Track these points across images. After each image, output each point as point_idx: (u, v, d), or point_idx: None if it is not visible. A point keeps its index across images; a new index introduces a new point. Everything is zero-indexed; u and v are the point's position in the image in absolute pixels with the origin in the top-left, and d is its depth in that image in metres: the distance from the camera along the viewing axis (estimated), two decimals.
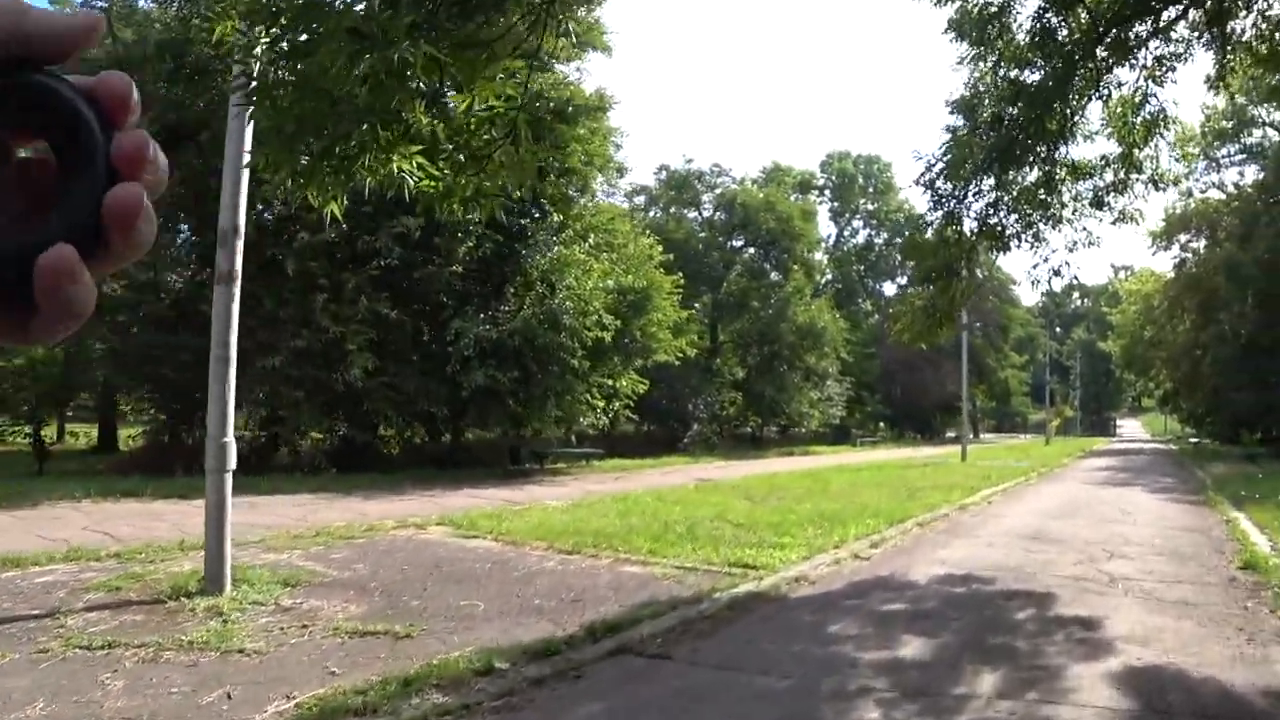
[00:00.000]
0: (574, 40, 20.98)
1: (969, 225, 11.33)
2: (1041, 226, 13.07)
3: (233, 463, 8.34)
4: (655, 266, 24.92)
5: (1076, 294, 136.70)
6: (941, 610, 7.50)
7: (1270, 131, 40.15)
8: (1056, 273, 11.87)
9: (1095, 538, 11.72)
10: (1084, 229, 14.08)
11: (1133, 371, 60.77)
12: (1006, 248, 11.54)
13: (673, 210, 43.05)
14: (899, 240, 72.71)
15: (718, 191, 43.37)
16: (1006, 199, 11.49)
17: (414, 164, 4.99)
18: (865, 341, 68.76)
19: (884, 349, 65.38)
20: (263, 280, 19.73)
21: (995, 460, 33.24)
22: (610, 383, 22.97)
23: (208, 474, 8.34)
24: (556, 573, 9.33)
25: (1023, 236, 11.55)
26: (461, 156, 5.01)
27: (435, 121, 4.81)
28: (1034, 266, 11.87)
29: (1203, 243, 42.89)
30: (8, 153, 0.52)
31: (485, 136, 4.94)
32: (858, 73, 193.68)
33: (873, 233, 73.80)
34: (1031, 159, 11.03)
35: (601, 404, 22.37)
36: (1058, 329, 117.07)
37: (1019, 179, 11.72)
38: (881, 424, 67.05)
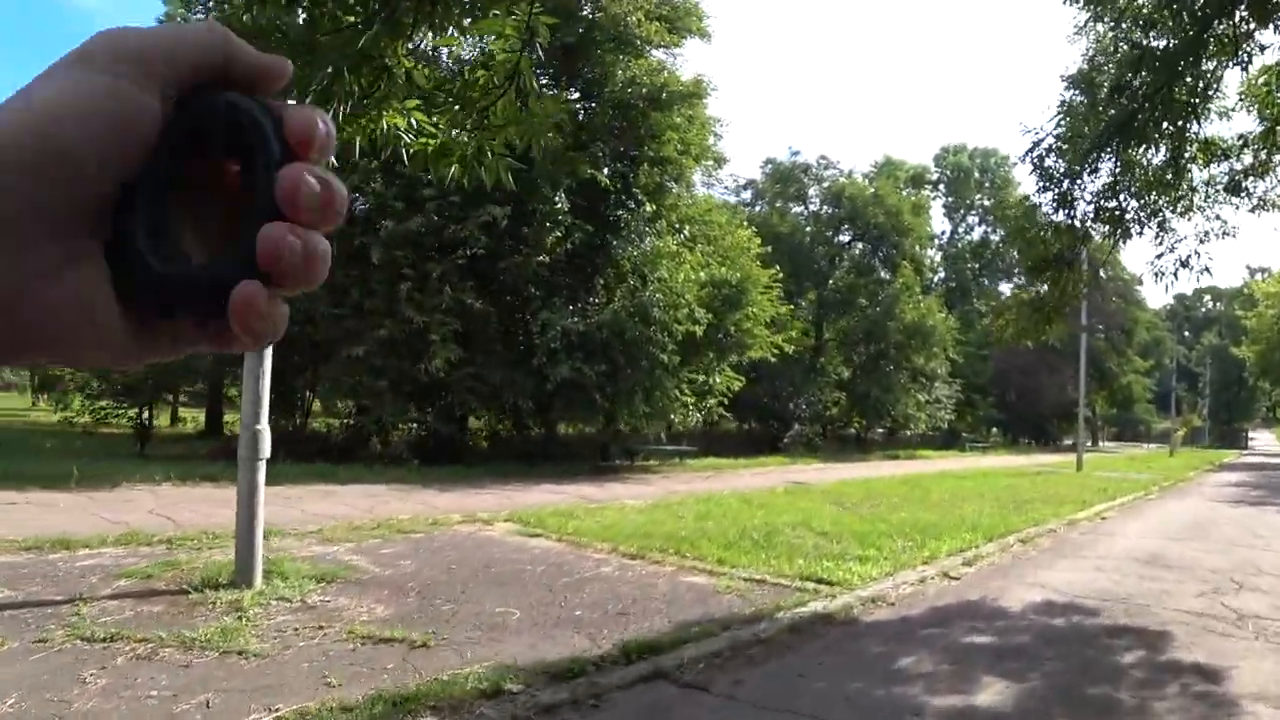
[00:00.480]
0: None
1: (1083, 208, 10.19)
2: (1168, 214, 11.84)
3: (266, 451, 7.91)
4: (753, 259, 23.97)
5: (1208, 296, 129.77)
6: (1033, 647, 6.52)
7: None
8: (1185, 264, 10.57)
9: (1222, 565, 10.44)
10: (1217, 217, 12.78)
11: (1269, 380, 56.72)
12: (1127, 234, 10.34)
13: (778, 204, 41.78)
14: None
15: (825, 185, 41.96)
16: (1127, 180, 10.31)
17: (409, 121, 4.35)
18: (978, 343, 66.13)
19: (998, 351, 62.87)
20: (351, 269, 19.65)
21: (1113, 471, 31.26)
22: (703, 379, 22.18)
23: (240, 462, 7.92)
24: (610, 579, 8.65)
25: (1146, 223, 10.35)
26: (458, 108, 4.34)
27: (419, 67, 4.15)
28: (1158, 256, 10.60)
29: None
30: (221, 175, 0.53)
31: (483, 85, 4.26)
32: (974, 62, 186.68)
33: (989, 229, 70.89)
34: (1157, 135, 9.83)
35: (692, 400, 21.57)
36: (1186, 333, 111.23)
37: (1142, 159, 10.53)
38: (994, 429, 64.44)
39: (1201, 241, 12.68)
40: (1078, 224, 10.13)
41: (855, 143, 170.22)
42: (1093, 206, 10.13)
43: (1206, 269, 10.55)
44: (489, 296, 20.44)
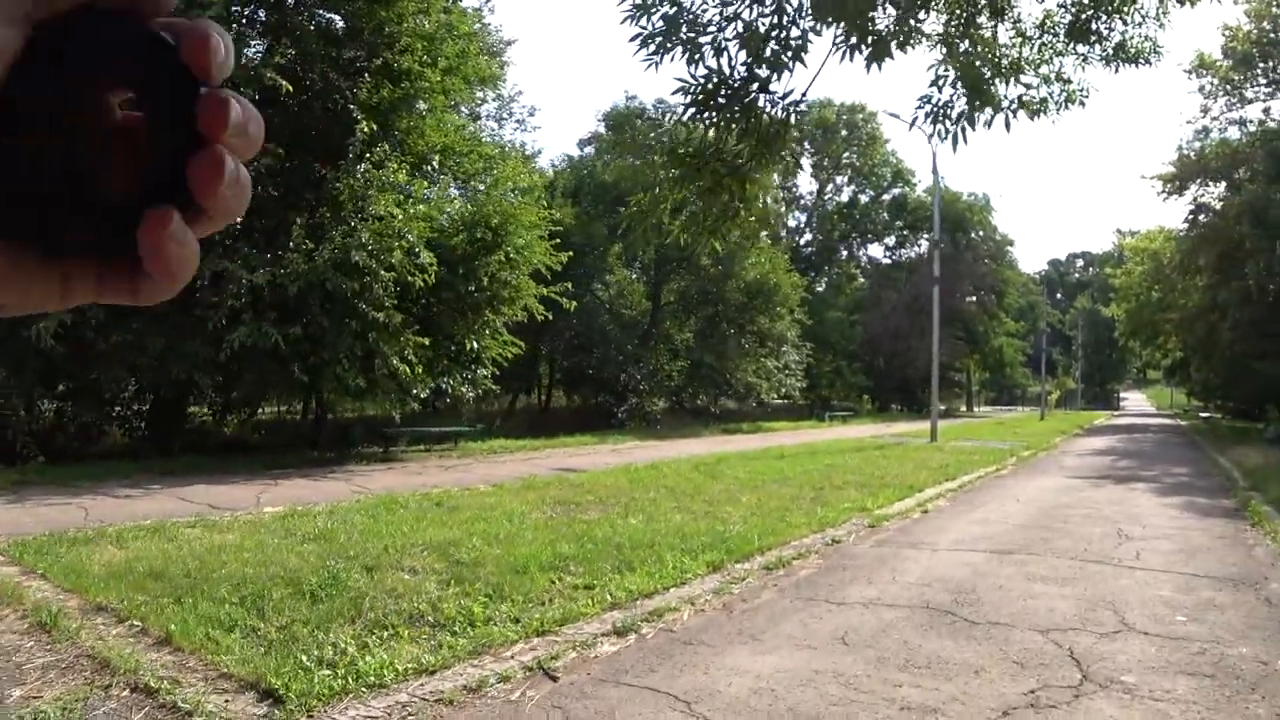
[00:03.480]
0: None
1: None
2: (986, 72, 7.62)
3: None
4: (521, 194, 19.07)
5: (1080, 261, 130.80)
6: None
7: None
8: (1022, 106, 6.25)
9: (1062, 612, 6.19)
10: (1058, 76, 8.70)
11: (1138, 340, 54.54)
12: (883, 52, 5.95)
13: (605, 156, 36.64)
14: (886, 198, 66.87)
15: (662, 132, 36.99)
16: None
17: None
18: (849, 307, 62.97)
19: (869, 317, 59.67)
20: None
21: (972, 439, 27.75)
22: (431, 342, 17.08)
23: None
24: None
25: (910, 36, 5.98)
26: None
27: None
28: (937, 87, 6.24)
29: (1222, 187, 37.04)
30: (108, 106, 0.48)
31: None
32: None
33: (858, 189, 67.54)
34: None
35: (419, 368, 16.53)
36: (1059, 296, 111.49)
37: None
38: (865, 396, 61.33)
39: (1036, 113, 8.60)
40: (788, 19, 5.73)
41: None
42: None
43: (1018, 106, 6.25)
44: None
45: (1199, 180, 36.82)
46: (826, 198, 66.96)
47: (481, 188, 19.33)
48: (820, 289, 64.75)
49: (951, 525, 10.42)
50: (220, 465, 16.24)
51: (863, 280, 67.33)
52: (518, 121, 36.53)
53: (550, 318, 19.70)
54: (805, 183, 67.41)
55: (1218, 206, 37.43)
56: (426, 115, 18.48)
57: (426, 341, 16.21)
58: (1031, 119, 8.17)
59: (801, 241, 65.42)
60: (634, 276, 37.67)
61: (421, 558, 7.86)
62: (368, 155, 16.52)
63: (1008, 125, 6.86)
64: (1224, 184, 36.68)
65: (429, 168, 18.52)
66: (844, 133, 64.83)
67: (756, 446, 23.13)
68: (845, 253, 68.38)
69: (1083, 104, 8.19)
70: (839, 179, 67.20)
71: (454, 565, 7.57)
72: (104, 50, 0.44)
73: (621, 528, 9.41)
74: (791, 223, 66.40)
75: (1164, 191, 37.41)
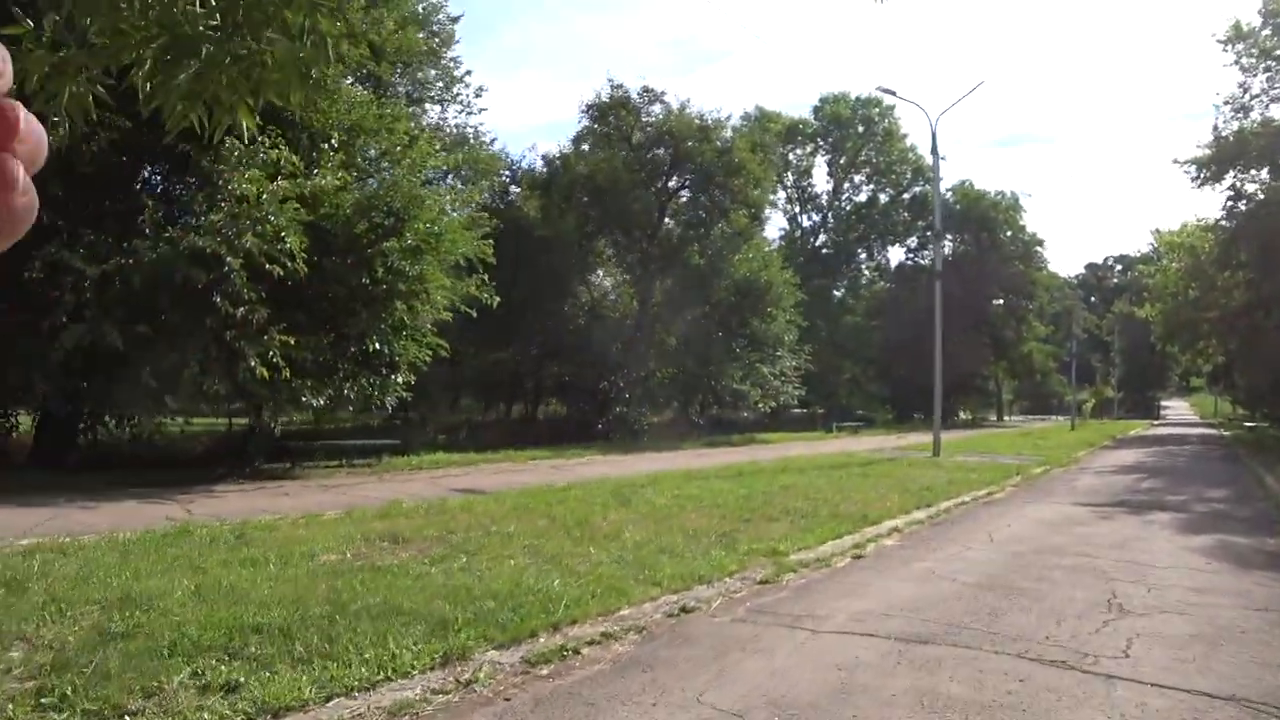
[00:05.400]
0: None
1: None
2: None
3: None
4: (419, 169, 16.44)
5: (1119, 266, 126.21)
6: None
7: None
8: None
9: None
10: None
11: (1176, 343, 50.26)
12: None
13: (589, 149, 33.61)
14: (906, 197, 63.61)
15: (648, 122, 34.14)
16: None
17: None
18: (868, 312, 59.97)
19: (889, 322, 56.52)
20: None
21: (981, 454, 24.85)
22: (290, 341, 14.26)
23: None
24: None
25: None
26: None
27: None
28: None
29: (1265, 172, 33.71)
30: None
31: None
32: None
33: (876, 188, 64.27)
34: None
35: (286, 372, 13.78)
36: (1094, 300, 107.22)
37: None
38: (885, 405, 58.20)
39: None
40: None
41: (732, 93, 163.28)
42: None
43: None
44: None
45: (1238, 164, 33.58)
46: (844, 197, 63.90)
47: (387, 167, 16.84)
48: (838, 293, 61.79)
49: (875, 582, 7.71)
50: (68, 484, 13.83)
51: (883, 284, 64.17)
52: (461, 104, 31.66)
53: (475, 315, 17.15)
54: (821, 182, 64.51)
55: (1260, 195, 34.18)
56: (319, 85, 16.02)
57: (293, 341, 13.67)
58: None
59: (817, 243, 62.50)
60: (624, 276, 35.08)
61: (71, 623, 5.52)
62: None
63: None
64: (1266, 169, 33.40)
65: (326, 146, 16.03)
66: (860, 128, 61.79)
67: (724, 462, 20.41)
68: (864, 254, 65.31)
69: None
70: (856, 177, 64.13)
71: (97, 637, 5.22)
72: None
73: (412, 576, 6.95)
74: (806, 223, 63.56)
75: (1198, 178, 34.22)
